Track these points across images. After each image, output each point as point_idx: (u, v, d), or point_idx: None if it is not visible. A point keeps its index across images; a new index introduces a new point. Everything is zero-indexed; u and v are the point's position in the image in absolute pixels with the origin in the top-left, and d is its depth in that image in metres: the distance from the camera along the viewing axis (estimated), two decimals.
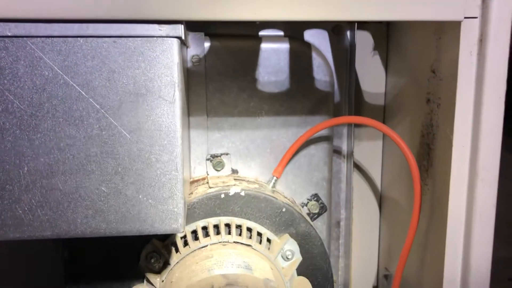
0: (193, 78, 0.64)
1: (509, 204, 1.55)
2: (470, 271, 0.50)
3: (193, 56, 0.63)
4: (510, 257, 1.59)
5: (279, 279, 0.56)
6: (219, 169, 0.67)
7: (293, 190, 0.69)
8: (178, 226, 0.46)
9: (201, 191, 0.61)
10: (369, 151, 0.76)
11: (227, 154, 0.67)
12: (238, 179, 0.66)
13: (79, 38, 0.43)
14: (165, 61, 0.44)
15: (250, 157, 0.68)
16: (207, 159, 0.67)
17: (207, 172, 0.67)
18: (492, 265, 1.59)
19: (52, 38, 0.42)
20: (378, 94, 0.73)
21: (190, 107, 0.65)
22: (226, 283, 0.48)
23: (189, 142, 0.65)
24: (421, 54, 0.61)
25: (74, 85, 0.43)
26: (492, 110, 0.46)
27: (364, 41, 0.72)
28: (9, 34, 0.42)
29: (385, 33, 0.72)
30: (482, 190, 0.48)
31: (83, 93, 0.43)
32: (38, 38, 0.42)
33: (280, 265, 0.60)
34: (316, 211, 0.70)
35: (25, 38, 0.42)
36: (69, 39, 0.43)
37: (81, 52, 0.43)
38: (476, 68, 0.47)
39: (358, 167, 0.77)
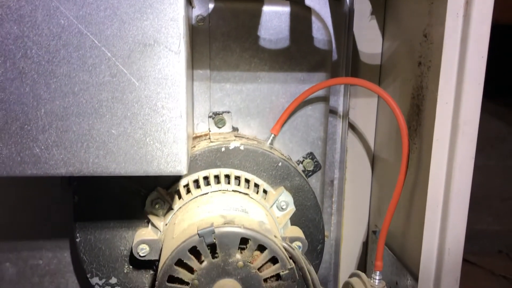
0: (197, 37, 0.67)
1: (502, 180, 1.59)
2: (448, 220, 0.54)
3: (197, 16, 0.66)
4: (501, 231, 1.63)
5: (273, 225, 0.61)
6: (220, 126, 0.71)
7: (290, 149, 0.73)
8: (182, 168, 0.50)
9: (203, 145, 0.65)
10: (364, 112, 0.79)
11: (228, 112, 0.71)
12: (238, 136, 0.70)
13: None
14: (172, 14, 0.47)
15: (250, 116, 0.72)
16: (209, 117, 0.71)
17: (209, 128, 0.71)
18: (483, 238, 1.62)
19: None
20: (375, 57, 0.76)
21: (194, 66, 0.68)
22: (224, 222, 0.52)
23: (192, 98, 0.69)
24: (415, 19, 0.64)
25: (88, 34, 0.47)
26: (475, 68, 0.50)
27: (362, 6, 0.75)
28: None
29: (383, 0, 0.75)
30: (462, 143, 0.51)
31: (96, 41, 0.47)
32: None
33: (275, 214, 0.64)
34: (311, 169, 0.74)
35: None
36: None
37: (94, 3, 0.46)
38: (461, 28, 0.50)
39: (352, 127, 0.80)
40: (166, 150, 0.50)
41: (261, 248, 0.52)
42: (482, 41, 0.49)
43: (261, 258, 0.52)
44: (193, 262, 0.51)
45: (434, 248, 0.56)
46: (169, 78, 0.49)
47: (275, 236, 0.54)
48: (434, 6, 0.58)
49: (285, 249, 0.54)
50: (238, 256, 0.52)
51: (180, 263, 0.52)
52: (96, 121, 0.49)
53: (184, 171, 0.51)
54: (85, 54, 0.47)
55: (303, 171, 0.73)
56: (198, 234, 0.51)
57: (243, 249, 0.52)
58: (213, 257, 0.52)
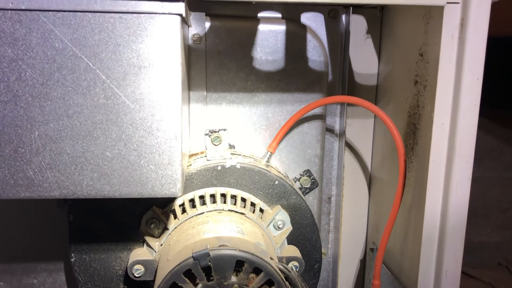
0: (194, 56, 0.67)
1: (500, 191, 1.59)
2: (445, 242, 0.54)
3: (194, 34, 0.66)
4: (501, 242, 1.63)
5: (270, 245, 0.60)
6: (217, 143, 0.71)
7: (287, 166, 0.73)
8: (176, 190, 0.50)
9: (199, 163, 0.65)
10: (361, 131, 0.79)
11: (224, 129, 0.70)
12: (235, 154, 0.69)
13: (87, 13, 0.46)
14: (167, 37, 0.47)
15: (247, 133, 0.72)
16: (206, 134, 0.70)
17: (205, 146, 0.70)
18: (482, 250, 1.62)
19: (63, 12, 0.46)
20: (371, 76, 0.76)
21: (191, 84, 0.68)
22: (219, 244, 0.51)
23: (189, 116, 0.69)
24: (411, 38, 0.65)
25: (82, 56, 0.47)
26: (470, 90, 0.50)
27: (358, 25, 0.75)
28: (23, 8, 0.45)
29: (379, 18, 0.75)
30: (459, 164, 0.51)
31: (90, 64, 0.47)
32: (50, 12, 0.46)
33: (272, 233, 0.64)
34: (308, 186, 0.74)
35: (37, 12, 0.45)
36: (78, 13, 0.46)
37: (89, 26, 0.46)
38: (456, 50, 0.50)
39: (349, 146, 0.80)
40: (160, 172, 0.50)
41: (257, 270, 0.52)
42: (477, 63, 0.49)
43: (257, 280, 0.52)
44: (187, 285, 0.51)
45: (432, 269, 0.56)
46: (164, 100, 0.48)
47: (271, 258, 0.54)
48: (430, 26, 0.58)
49: (281, 271, 0.53)
50: (233, 279, 0.51)
51: (174, 286, 0.51)
52: (90, 144, 0.48)
53: (179, 193, 0.51)
54: (80, 77, 0.47)
55: (300, 189, 0.73)
56: (192, 256, 0.50)
57: (238, 271, 0.52)
58: (208, 280, 0.51)
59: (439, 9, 0.52)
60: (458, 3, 0.50)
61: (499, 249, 1.63)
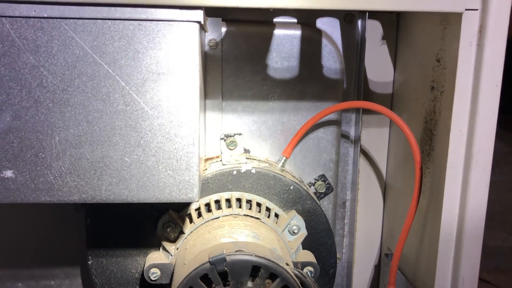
0: (210, 61, 0.68)
1: None
2: (462, 249, 0.53)
3: (210, 40, 0.67)
4: None
5: (285, 250, 0.60)
6: (232, 148, 0.71)
7: (302, 170, 0.73)
8: (194, 195, 0.51)
9: (215, 167, 0.65)
10: (376, 137, 0.79)
11: (240, 134, 0.71)
12: (250, 158, 0.70)
13: (107, 21, 0.47)
14: (186, 44, 0.48)
15: (262, 138, 0.72)
16: (221, 139, 0.71)
17: (221, 150, 0.71)
18: (498, 255, 1.60)
19: (83, 20, 0.47)
20: (387, 82, 0.76)
21: (207, 89, 0.68)
22: (235, 249, 0.52)
23: (205, 122, 0.69)
24: (428, 43, 0.64)
25: (102, 63, 0.47)
26: (489, 97, 0.49)
27: (374, 30, 0.75)
28: (45, 16, 0.46)
29: (395, 23, 0.75)
30: (476, 171, 0.51)
31: (110, 71, 0.48)
32: (71, 20, 0.46)
33: (287, 238, 0.64)
34: (323, 191, 0.74)
35: (59, 19, 0.46)
36: (99, 21, 0.47)
37: (109, 33, 0.47)
38: (475, 57, 0.50)
39: (364, 152, 0.80)
40: (178, 178, 0.50)
41: (273, 276, 0.52)
42: (496, 70, 0.49)
43: (272, 286, 0.52)
44: None
45: (448, 277, 0.56)
46: (182, 106, 0.49)
47: (287, 264, 0.54)
48: (447, 31, 0.57)
49: (297, 277, 0.54)
50: (249, 284, 0.52)
51: None
52: (109, 149, 0.49)
53: (196, 198, 0.51)
54: (99, 83, 0.48)
55: (315, 193, 0.73)
56: (209, 261, 0.50)
57: (254, 277, 0.52)
58: (224, 285, 0.52)
59: (457, 16, 0.51)
60: (477, 9, 0.49)
61: None
